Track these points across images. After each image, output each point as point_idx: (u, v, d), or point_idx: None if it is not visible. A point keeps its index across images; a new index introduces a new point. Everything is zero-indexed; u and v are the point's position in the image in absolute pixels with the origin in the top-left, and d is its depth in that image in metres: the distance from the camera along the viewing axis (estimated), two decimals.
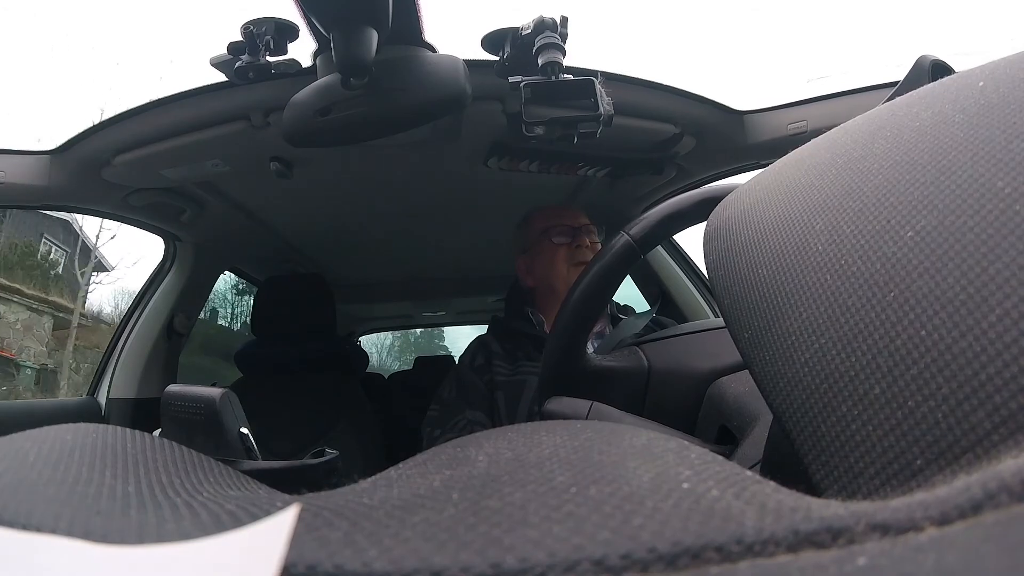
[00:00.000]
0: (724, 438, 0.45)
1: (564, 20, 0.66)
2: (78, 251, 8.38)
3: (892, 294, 0.16)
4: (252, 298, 1.58)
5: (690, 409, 0.51)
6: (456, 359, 1.32)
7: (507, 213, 1.26)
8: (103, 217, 1.18)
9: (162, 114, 0.88)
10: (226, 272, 1.62)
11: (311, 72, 0.75)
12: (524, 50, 0.67)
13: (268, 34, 0.68)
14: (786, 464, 0.28)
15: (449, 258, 1.85)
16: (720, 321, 0.56)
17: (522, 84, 0.65)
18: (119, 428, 0.21)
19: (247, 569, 0.12)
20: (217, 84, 0.83)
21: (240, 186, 1.16)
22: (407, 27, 0.68)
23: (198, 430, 0.48)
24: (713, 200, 0.31)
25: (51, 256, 8.41)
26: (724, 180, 1.09)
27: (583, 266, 0.99)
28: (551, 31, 0.65)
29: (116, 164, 0.95)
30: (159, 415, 0.52)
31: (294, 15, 0.65)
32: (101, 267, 8.41)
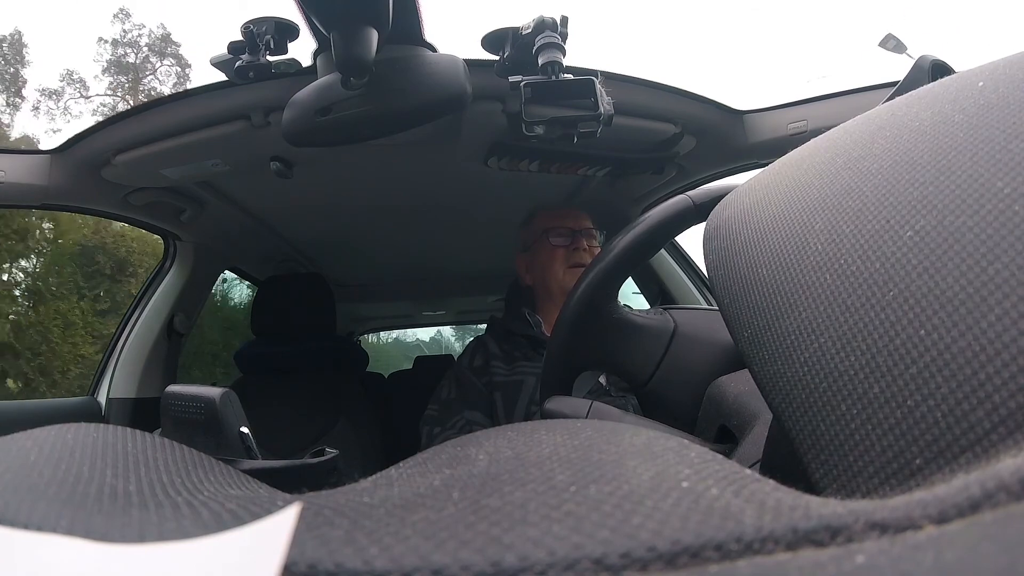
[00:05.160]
0: (724, 437, 0.45)
1: (564, 20, 0.66)
2: None
3: (891, 293, 0.16)
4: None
5: (706, 375, 0.50)
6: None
7: (507, 213, 1.26)
8: (103, 217, 1.18)
9: (162, 114, 0.88)
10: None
11: (311, 72, 0.75)
12: (524, 50, 0.67)
13: (268, 33, 0.68)
14: (785, 463, 0.28)
15: (449, 257, 1.85)
16: None
17: (522, 84, 0.65)
18: (119, 427, 0.21)
19: (248, 568, 0.12)
20: (217, 84, 0.83)
21: (240, 186, 1.16)
22: (407, 27, 0.68)
23: (198, 430, 0.48)
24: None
25: None
26: (724, 179, 1.09)
27: (580, 268, 0.99)
28: (551, 31, 0.65)
29: (116, 164, 0.95)
30: (159, 415, 0.52)
31: (294, 14, 0.65)
32: None
